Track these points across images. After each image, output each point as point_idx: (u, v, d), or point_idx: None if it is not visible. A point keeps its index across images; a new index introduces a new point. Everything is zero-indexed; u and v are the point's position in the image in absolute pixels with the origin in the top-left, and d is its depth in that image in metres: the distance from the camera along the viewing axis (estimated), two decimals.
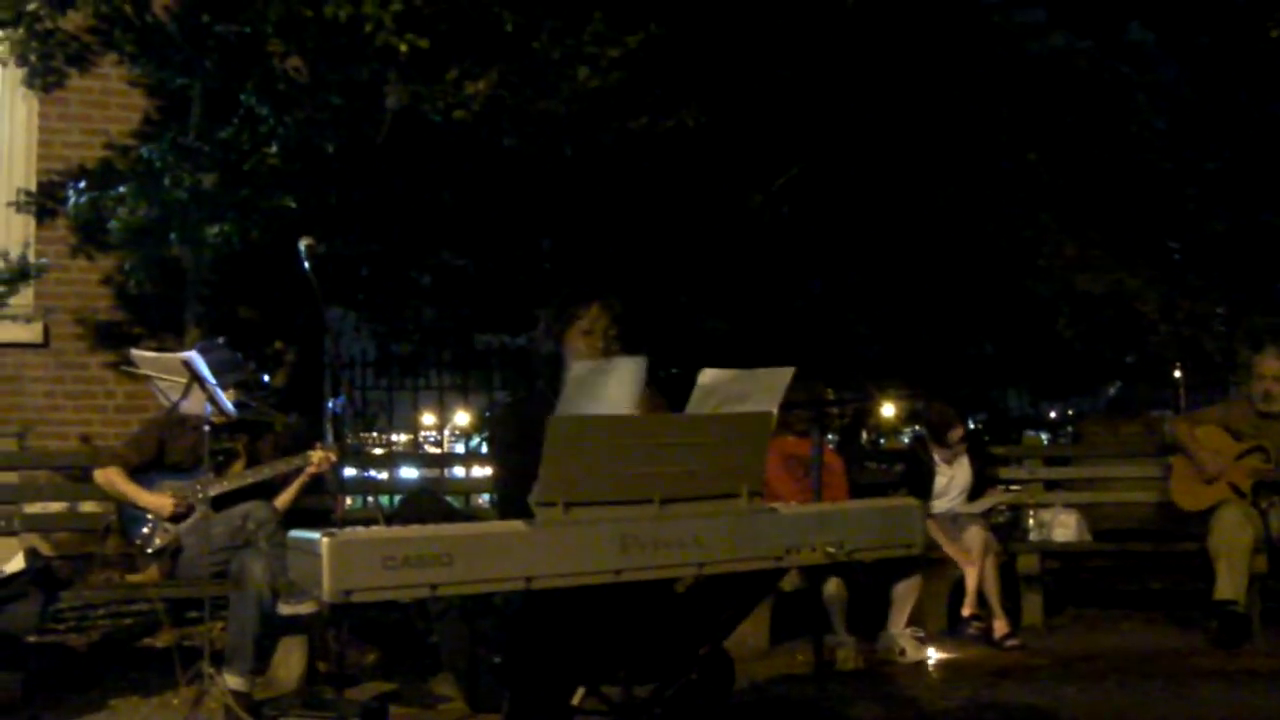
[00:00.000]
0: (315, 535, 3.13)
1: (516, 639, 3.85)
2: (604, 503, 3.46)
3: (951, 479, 8.27)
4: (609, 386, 3.52)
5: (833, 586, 7.23)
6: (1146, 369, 13.95)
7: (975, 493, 8.34)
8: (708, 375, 3.60)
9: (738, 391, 3.64)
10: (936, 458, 8.29)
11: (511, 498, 4.26)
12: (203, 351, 6.02)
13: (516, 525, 3.36)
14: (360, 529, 3.29)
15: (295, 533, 3.37)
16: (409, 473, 9.03)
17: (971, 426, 8.55)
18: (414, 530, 3.32)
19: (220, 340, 6.57)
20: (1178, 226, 11.65)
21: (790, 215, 10.30)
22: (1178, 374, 14.22)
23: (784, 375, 3.72)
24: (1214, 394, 12.91)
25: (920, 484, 8.14)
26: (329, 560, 3.10)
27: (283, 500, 6.42)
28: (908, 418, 15.16)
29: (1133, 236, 11.42)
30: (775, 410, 3.75)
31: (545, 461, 3.37)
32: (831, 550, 3.68)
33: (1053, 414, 16.74)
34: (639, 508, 3.50)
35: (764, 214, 10.20)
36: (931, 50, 10.76)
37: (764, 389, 3.69)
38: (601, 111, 8.02)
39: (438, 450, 15.67)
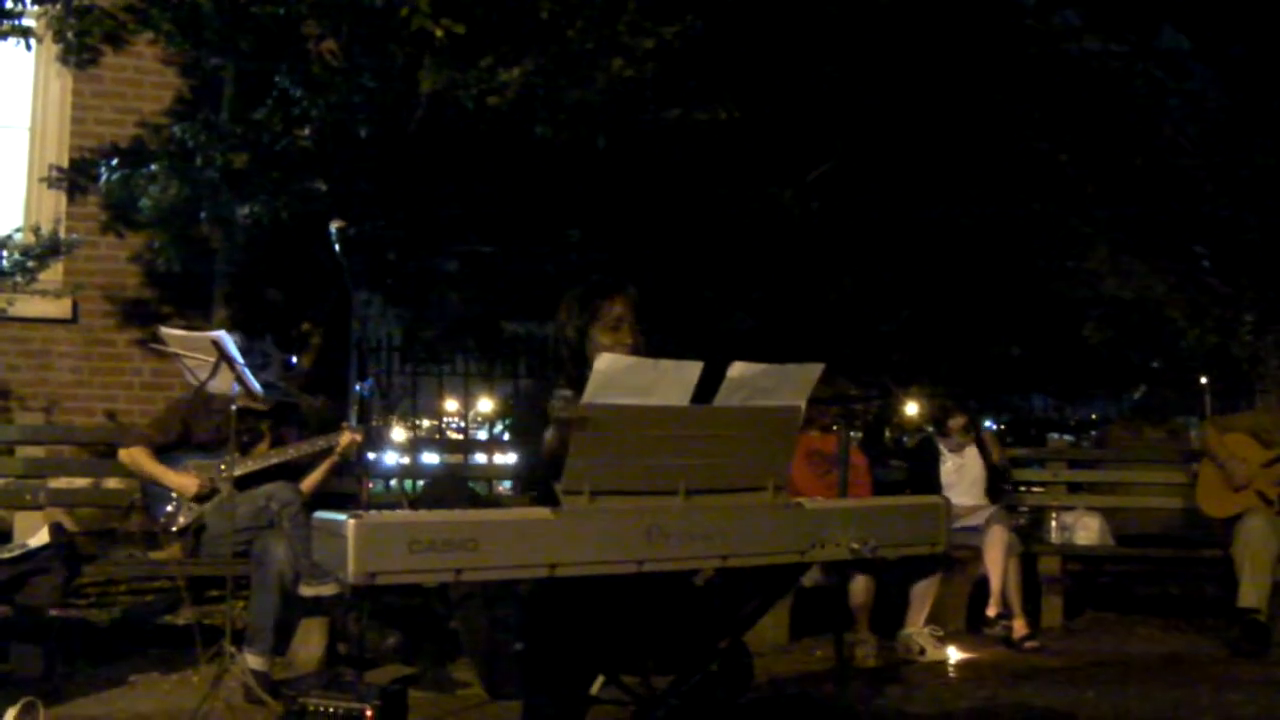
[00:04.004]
0: (341, 517, 3.13)
1: (537, 626, 3.85)
2: (629, 492, 3.45)
3: (961, 468, 8.26)
4: (660, 389, 3.49)
5: (861, 585, 7.23)
6: (1172, 375, 13.90)
7: (991, 489, 8.32)
8: (737, 368, 3.58)
9: (766, 385, 3.61)
10: (942, 448, 8.31)
11: (528, 480, 4.28)
12: (243, 352, 6.00)
13: (542, 512, 3.36)
14: (386, 512, 3.29)
15: (321, 514, 3.37)
16: (431, 458, 9.06)
17: (991, 426, 8.54)
18: (440, 514, 3.32)
19: (237, 336, 6.48)
20: (1207, 232, 11.59)
21: (820, 211, 10.27)
22: (1203, 380, 14.18)
23: (813, 371, 3.70)
24: (1240, 401, 12.88)
25: (925, 479, 8.16)
26: (354, 542, 3.10)
27: (309, 482, 6.43)
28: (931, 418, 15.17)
29: (1162, 241, 11.37)
30: (803, 405, 3.73)
31: (572, 450, 3.36)
32: (856, 546, 3.68)
33: (1076, 418, 16.72)
34: (664, 498, 3.50)
35: (794, 209, 10.17)
36: (966, 50, 10.73)
37: (792, 384, 3.67)
38: (635, 102, 8.01)
39: (461, 436, 15.68)
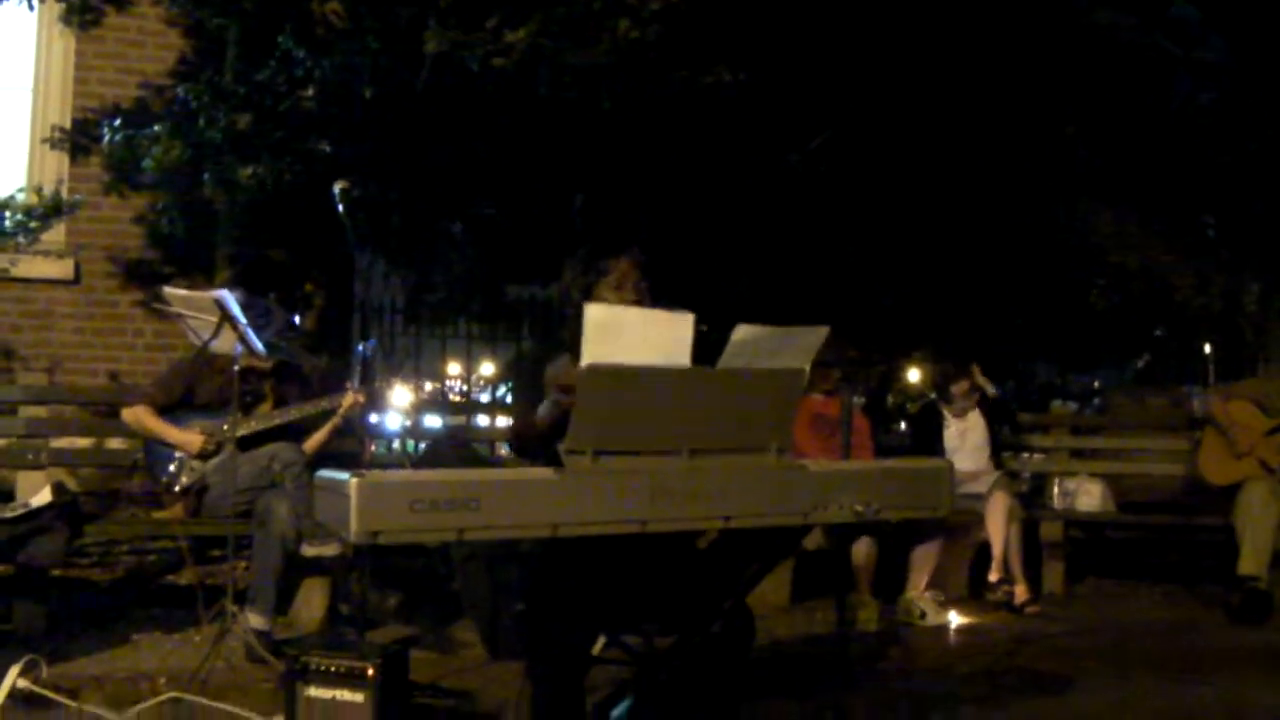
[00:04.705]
0: (344, 475, 3.13)
1: (539, 586, 3.85)
2: (633, 453, 3.45)
3: (964, 433, 8.26)
4: (654, 341, 3.49)
5: (864, 547, 7.25)
6: (1175, 343, 13.92)
7: (994, 455, 8.34)
8: (741, 331, 3.58)
9: (771, 347, 3.61)
10: (947, 414, 8.31)
11: (521, 447, 4.29)
12: (245, 308, 5.96)
13: (545, 472, 3.35)
14: (389, 471, 3.29)
15: (324, 472, 3.37)
16: (434, 421, 9.07)
17: (993, 391, 8.54)
18: (442, 474, 3.31)
19: (239, 294, 6.43)
20: (1214, 203, 11.58)
21: (826, 176, 10.24)
22: (1207, 348, 14.18)
23: (819, 334, 3.69)
24: (1243, 370, 12.89)
25: (928, 444, 8.17)
26: (357, 500, 3.09)
27: (311, 443, 6.39)
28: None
29: (1169, 211, 11.37)
30: (807, 368, 3.73)
31: (576, 409, 3.36)
32: (859, 509, 3.67)
33: (1079, 385, 16.70)
34: (668, 459, 3.49)
35: (799, 174, 10.15)
36: (973, 19, 10.68)
37: (797, 346, 3.67)
38: (640, 65, 7.97)
39: (463, 399, 15.65)
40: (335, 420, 6.43)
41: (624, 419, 3.42)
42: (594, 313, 3.47)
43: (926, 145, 10.89)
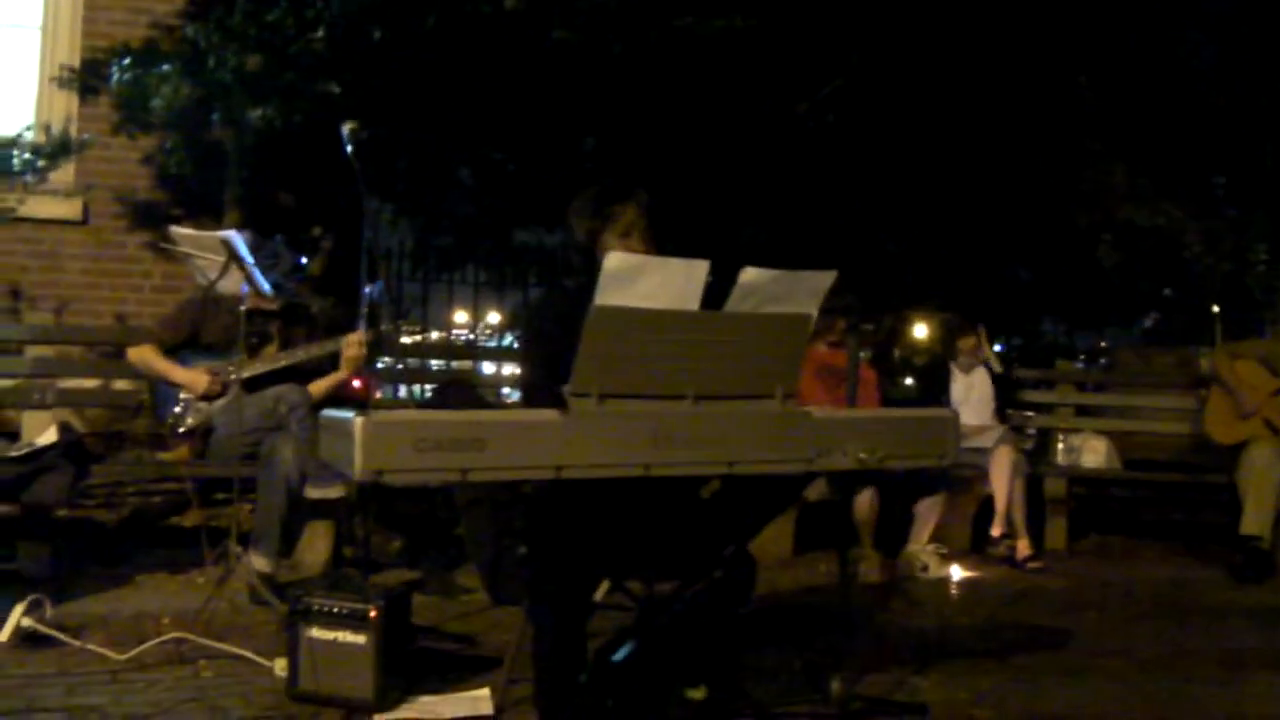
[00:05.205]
0: (349, 415, 3.13)
1: (542, 530, 3.85)
2: (638, 396, 3.44)
3: (970, 388, 8.28)
4: (669, 288, 3.49)
5: (865, 499, 7.26)
6: (1183, 302, 13.87)
7: (999, 410, 8.35)
8: (749, 274, 3.56)
9: (778, 292, 3.60)
10: (954, 368, 8.33)
11: (536, 388, 4.27)
12: (253, 250, 5.93)
13: (549, 414, 3.34)
14: (394, 411, 3.28)
15: (329, 412, 3.37)
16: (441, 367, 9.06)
17: (998, 347, 8.58)
18: (447, 414, 3.31)
19: (247, 235, 6.39)
20: (1224, 161, 11.51)
21: (835, 124, 10.18)
22: (1215, 309, 14.15)
23: (826, 279, 3.68)
24: (1250, 330, 12.85)
25: (934, 395, 8.21)
26: (361, 439, 3.09)
27: (318, 387, 6.34)
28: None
29: (1179, 168, 11.30)
30: (814, 313, 3.72)
31: (582, 352, 3.35)
32: (863, 456, 3.66)
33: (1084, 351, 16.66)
34: (672, 403, 3.49)
35: (808, 122, 10.09)
36: None
37: (805, 291, 3.66)
38: (650, 8, 7.92)
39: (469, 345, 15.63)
40: (340, 375, 6.36)
41: (630, 362, 3.42)
42: (611, 260, 3.46)
43: (937, 95, 10.82)
